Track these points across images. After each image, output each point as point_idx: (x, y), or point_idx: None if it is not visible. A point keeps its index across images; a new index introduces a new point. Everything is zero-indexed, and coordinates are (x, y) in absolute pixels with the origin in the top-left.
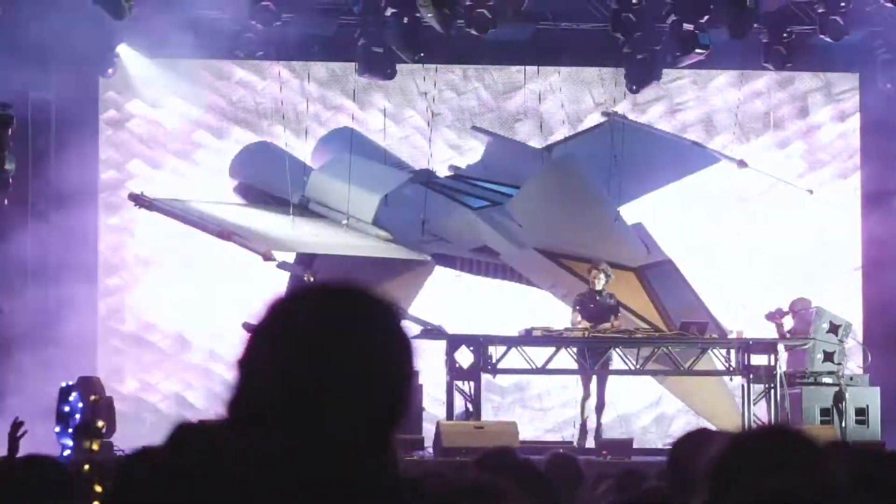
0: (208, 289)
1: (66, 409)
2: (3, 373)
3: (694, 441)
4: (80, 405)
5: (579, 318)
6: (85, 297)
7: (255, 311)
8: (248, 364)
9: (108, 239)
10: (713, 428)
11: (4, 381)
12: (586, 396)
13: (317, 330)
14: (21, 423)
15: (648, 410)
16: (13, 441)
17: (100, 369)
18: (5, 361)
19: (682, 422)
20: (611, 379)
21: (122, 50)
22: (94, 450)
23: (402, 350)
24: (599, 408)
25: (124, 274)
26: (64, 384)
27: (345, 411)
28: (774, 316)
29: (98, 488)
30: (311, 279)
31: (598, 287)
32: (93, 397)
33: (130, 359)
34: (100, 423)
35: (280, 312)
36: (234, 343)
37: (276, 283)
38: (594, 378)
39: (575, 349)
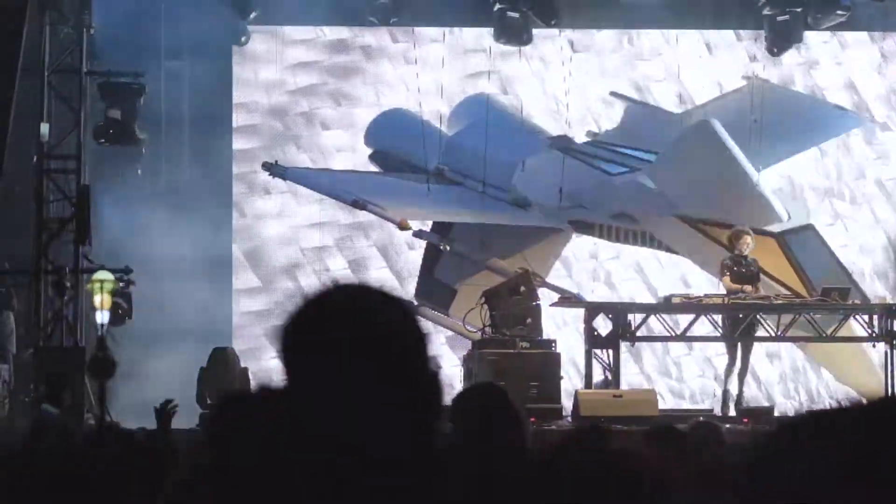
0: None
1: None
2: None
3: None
4: None
5: (730, 282)
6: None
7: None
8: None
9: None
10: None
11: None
12: (731, 364)
13: (338, 330)
14: (171, 402)
15: (789, 378)
16: (165, 417)
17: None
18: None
19: (824, 390)
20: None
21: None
22: None
23: (418, 342)
24: (742, 375)
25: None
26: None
27: (375, 407)
28: None
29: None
30: (447, 248)
31: (746, 252)
32: None
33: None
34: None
35: (305, 318)
36: None
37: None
38: (738, 345)
39: (716, 316)
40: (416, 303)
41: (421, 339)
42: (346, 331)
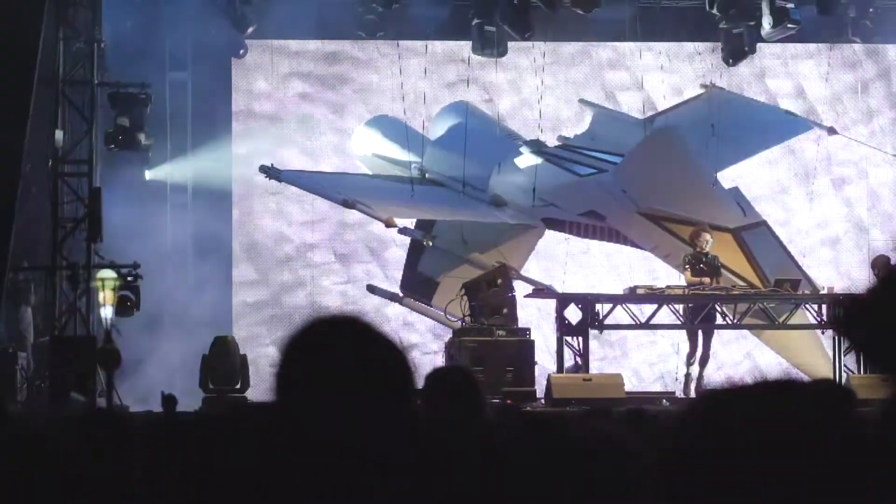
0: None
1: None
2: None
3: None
4: None
5: (691, 275)
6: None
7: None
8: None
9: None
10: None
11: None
12: (693, 350)
13: (327, 360)
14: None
15: (745, 363)
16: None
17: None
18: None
19: (776, 374)
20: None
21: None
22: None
23: (403, 368)
24: (703, 361)
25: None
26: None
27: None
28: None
29: None
30: (430, 244)
31: (706, 249)
32: None
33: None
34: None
35: (297, 349)
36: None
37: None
38: (699, 333)
39: (677, 305)
40: (401, 295)
41: (405, 375)
42: (335, 363)
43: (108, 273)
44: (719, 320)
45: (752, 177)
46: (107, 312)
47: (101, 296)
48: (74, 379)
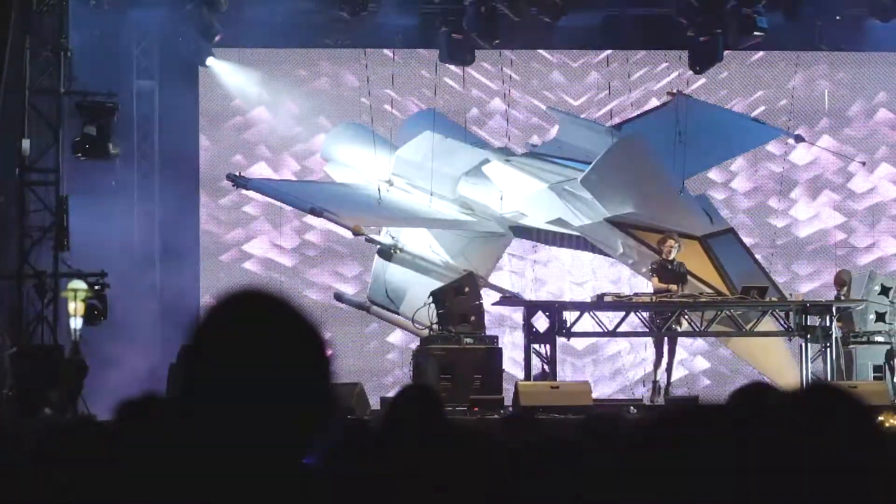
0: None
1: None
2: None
3: (752, 392)
4: None
5: (658, 282)
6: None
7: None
8: (191, 366)
9: (209, 219)
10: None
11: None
12: (659, 357)
13: (237, 334)
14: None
15: (711, 371)
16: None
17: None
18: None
19: (742, 381)
20: (680, 341)
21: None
22: None
23: (313, 343)
24: (669, 367)
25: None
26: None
27: (269, 406)
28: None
29: None
30: (398, 252)
31: (672, 256)
32: None
33: None
34: None
35: (209, 325)
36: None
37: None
38: (665, 340)
39: (644, 313)
40: (369, 303)
41: (317, 349)
42: (241, 338)
43: (79, 284)
44: (686, 328)
45: (721, 182)
46: (76, 323)
47: (71, 306)
48: (41, 389)
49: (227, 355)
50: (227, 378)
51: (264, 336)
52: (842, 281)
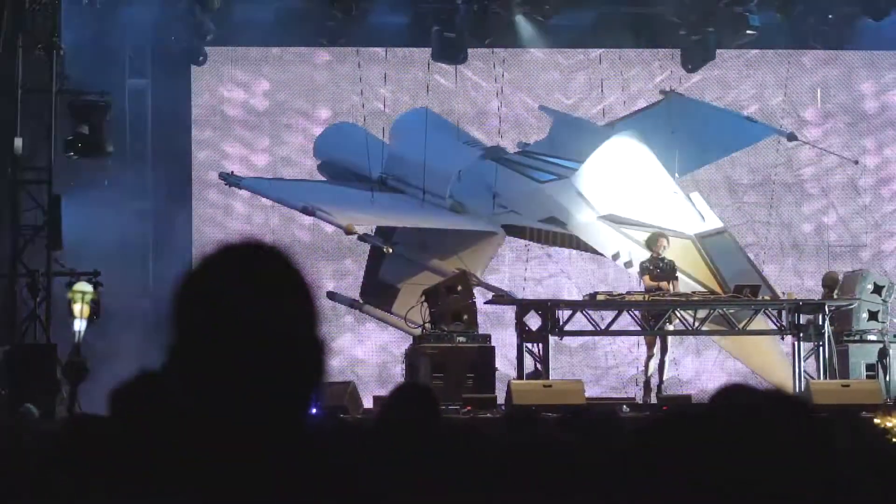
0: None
1: None
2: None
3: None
4: None
5: (650, 280)
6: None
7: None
8: (177, 323)
9: (201, 217)
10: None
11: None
12: (650, 356)
13: (225, 286)
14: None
15: (704, 370)
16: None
17: None
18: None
19: (735, 380)
20: (672, 340)
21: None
22: None
23: (304, 293)
24: (661, 366)
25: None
26: None
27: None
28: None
29: None
30: (390, 251)
31: (663, 254)
32: None
33: None
34: None
35: (195, 277)
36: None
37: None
38: (658, 339)
39: (637, 312)
40: (362, 302)
41: (305, 299)
42: (229, 293)
43: (85, 286)
44: (679, 326)
45: (713, 180)
46: (80, 326)
47: (76, 308)
48: (36, 388)
49: (219, 303)
50: (220, 327)
51: (257, 285)
52: (829, 283)
